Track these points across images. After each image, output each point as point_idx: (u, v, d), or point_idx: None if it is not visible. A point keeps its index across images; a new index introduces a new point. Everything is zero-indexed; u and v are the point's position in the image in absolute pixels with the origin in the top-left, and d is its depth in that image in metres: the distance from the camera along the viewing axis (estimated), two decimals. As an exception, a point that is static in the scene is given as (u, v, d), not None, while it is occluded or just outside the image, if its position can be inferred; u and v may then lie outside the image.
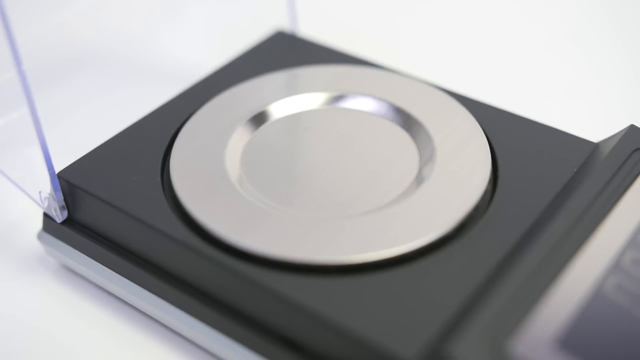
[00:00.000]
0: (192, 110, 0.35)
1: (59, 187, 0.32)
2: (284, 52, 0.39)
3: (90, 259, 0.33)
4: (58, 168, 0.32)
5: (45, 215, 0.33)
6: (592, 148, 0.32)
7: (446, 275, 0.28)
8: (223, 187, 0.31)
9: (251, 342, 0.29)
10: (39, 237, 0.34)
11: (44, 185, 0.32)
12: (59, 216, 0.33)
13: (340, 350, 0.27)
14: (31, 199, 0.33)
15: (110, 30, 0.47)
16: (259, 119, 0.35)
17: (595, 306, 0.26)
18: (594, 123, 0.37)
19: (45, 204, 0.33)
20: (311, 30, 0.43)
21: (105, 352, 0.31)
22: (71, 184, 0.32)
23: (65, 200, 0.32)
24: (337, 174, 0.32)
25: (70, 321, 0.32)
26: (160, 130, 0.34)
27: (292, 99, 0.35)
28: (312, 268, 0.28)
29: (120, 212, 0.31)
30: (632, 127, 0.32)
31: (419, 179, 0.31)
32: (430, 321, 0.26)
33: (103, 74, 0.45)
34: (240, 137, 0.34)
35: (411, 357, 0.25)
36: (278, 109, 0.35)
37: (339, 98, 0.36)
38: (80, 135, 0.40)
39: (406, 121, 0.34)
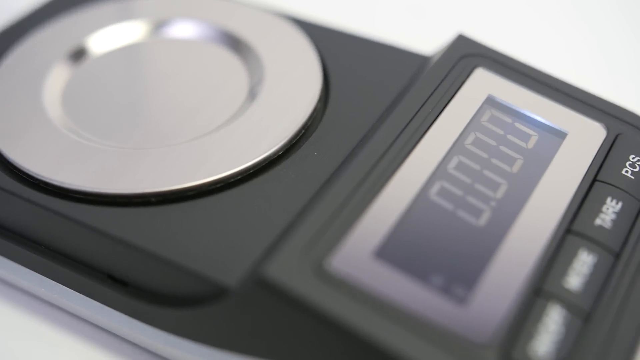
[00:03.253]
0: (5, 49, 0.33)
1: None
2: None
3: None
4: None
5: None
6: (422, 61, 0.32)
7: (271, 197, 0.27)
8: (39, 124, 0.30)
9: (76, 283, 0.27)
10: None
11: None
12: None
13: (163, 282, 0.26)
14: None
15: None
16: (80, 54, 0.33)
17: (419, 213, 0.25)
18: (433, 38, 0.36)
19: None
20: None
21: None
22: None
23: None
24: (163, 105, 0.31)
25: None
26: (-28, 72, 0.32)
27: (116, 28, 0.34)
28: (131, 200, 0.27)
29: None
30: (459, 37, 0.32)
31: (248, 102, 0.30)
32: (254, 245, 0.25)
33: None
34: (60, 74, 0.32)
35: (232, 283, 0.24)
36: (101, 42, 0.33)
37: (164, 25, 0.34)
38: None
39: (235, 45, 0.33)
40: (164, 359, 0.27)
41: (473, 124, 0.28)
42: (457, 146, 0.27)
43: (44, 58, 0.32)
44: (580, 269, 0.24)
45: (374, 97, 0.30)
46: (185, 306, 0.25)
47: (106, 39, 0.33)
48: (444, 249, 0.25)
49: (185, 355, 0.26)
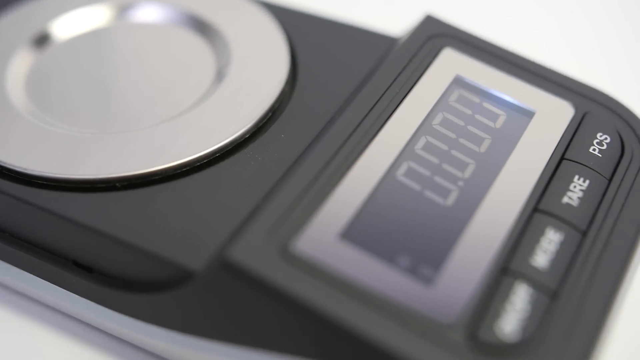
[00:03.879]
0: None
1: None
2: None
3: None
4: None
5: None
6: (390, 42, 0.32)
7: (238, 180, 0.27)
8: (1, 110, 0.29)
9: (40, 269, 0.27)
10: None
11: None
12: None
13: (129, 268, 0.26)
14: None
15: None
16: (44, 40, 0.32)
17: (386, 194, 0.25)
18: (401, 19, 0.36)
19: None
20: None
21: None
22: None
23: None
24: (129, 89, 0.30)
25: None
26: None
27: (80, 13, 0.33)
28: (96, 185, 0.26)
29: None
30: (427, 17, 0.31)
31: (215, 85, 0.30)
32: (220, 229, 0.25)
33: None
34: (23, 60, 0.31)
35: (198, 267, 0.24)
36: (65, 27, 0.33)
37: (129, 9, 0.33)
38: None
39: (202, 28, 0.33)
40: (131, 345, 0.27)
41: (441, 104, 0.28)
42: (424, 127, 0.27)
43: (6, 44, 0.32)
44: (547, 247, 0.24)
45: (342, 79, 0.30)
46: (152, 291, 0.25)
47: (70, 23, 0.33)
48: (411, 230, 0.24)
49: (152, 341, 0.26)
